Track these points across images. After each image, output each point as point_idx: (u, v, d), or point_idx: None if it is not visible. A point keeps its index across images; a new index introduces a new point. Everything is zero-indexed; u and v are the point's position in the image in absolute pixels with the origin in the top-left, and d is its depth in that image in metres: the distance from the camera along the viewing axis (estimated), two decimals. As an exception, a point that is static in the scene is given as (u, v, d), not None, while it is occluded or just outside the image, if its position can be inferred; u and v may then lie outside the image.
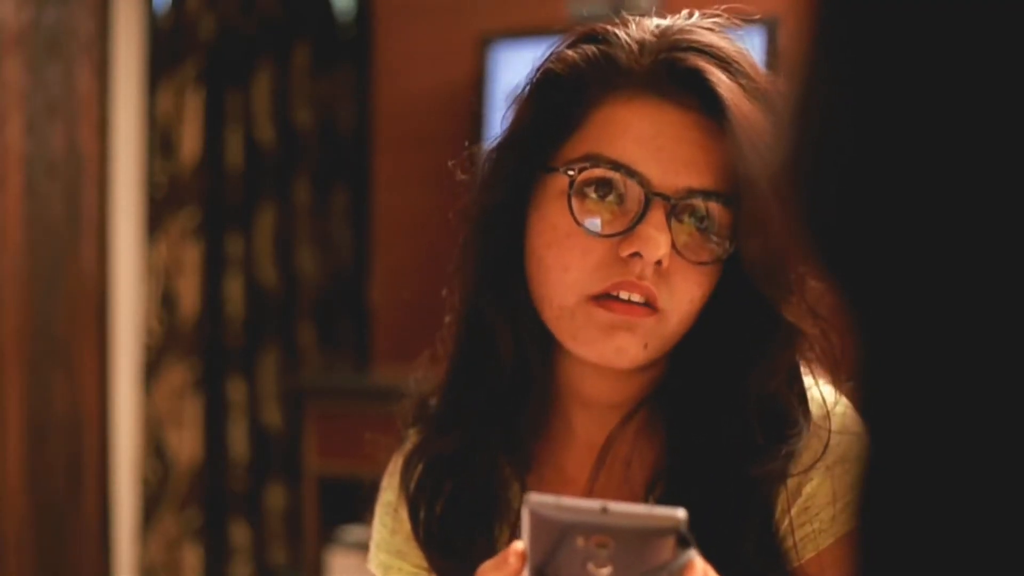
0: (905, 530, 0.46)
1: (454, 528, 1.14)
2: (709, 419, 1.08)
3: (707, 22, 1.09)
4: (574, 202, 1.04)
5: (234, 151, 3.72)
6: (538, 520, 0.85)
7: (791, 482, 1.06)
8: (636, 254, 1.02)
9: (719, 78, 1.03)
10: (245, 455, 3.72)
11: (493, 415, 1.13)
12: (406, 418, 1.23)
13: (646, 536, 0.84)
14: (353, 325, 3.87)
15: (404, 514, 1.18)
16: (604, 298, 1.03)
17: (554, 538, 0.85)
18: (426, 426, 1.19)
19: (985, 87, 0.42)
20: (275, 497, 3.76)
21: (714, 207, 1.03)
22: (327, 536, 3.40)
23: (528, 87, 1.10)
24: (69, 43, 3.23)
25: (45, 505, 3.15)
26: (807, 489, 1.06)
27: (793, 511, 1.06)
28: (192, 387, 3.62)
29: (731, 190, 1.03)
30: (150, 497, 3.55)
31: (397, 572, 1.19)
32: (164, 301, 3.60)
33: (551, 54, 1.10)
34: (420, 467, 1.17)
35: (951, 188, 0.43)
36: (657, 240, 1.01)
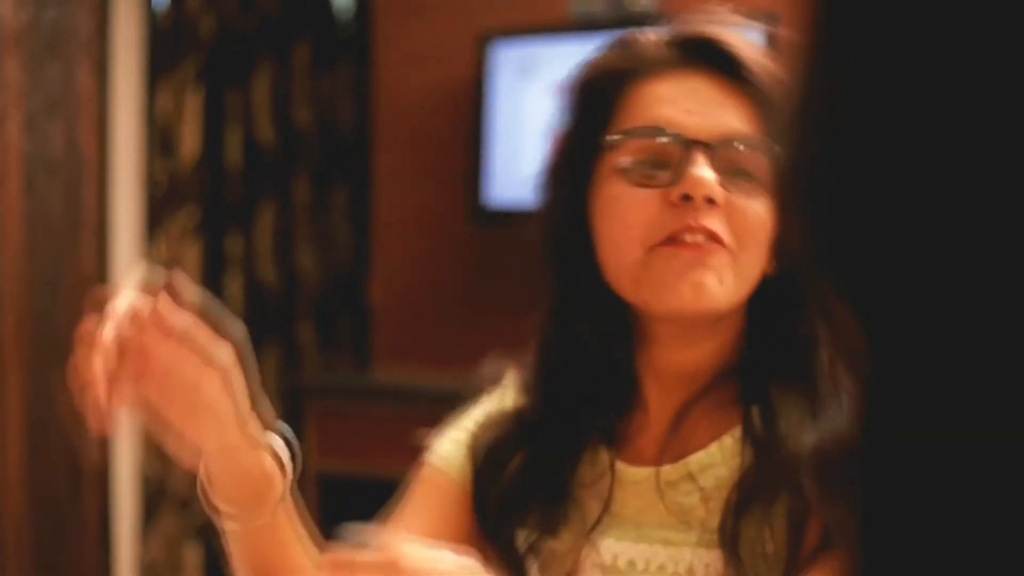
0: (910, 535, 0.46)
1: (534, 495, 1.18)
2: (781, 397, 1.11)
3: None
4: (621, 176, 1.12)
5: (234, 150, 3.72)
6: None
7: None
8: (687, 197, 1.08)
9: (733, 40, 1.14)
10: (245, 454, 3.72)
11: (584, 406, 1.18)
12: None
13: None
14: (353, 325, 3.87)
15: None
16: (670, 243, 1.09)
17: None
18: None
19: (986, 89, 0.42)
20: (275, 496, 3.76)
21: (752, 148, 1.10)
22: (327, 536, 3.40)
23: (570, 97, 1.19)
24: (68, 42, 3.23)
25: (45, 505, 3.15)
26: None
27: None
28: (192, 386, 3.61)
29: (765, 138, 1.11)
30: (150, 496, 3.55)
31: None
32: (164, 300, 3.59)
33: (585, 65, 1.20)
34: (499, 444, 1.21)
35: (954, 191, 0.43)
36: (702, 177, 1.08)
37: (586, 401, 1.18)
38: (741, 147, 1.11)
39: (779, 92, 1.10)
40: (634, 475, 1.17)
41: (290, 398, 3.74)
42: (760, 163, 1.10)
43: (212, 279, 3.69)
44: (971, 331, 0.43)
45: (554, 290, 1.19)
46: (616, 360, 1.18)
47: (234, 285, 3.73)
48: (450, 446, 1.24)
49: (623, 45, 1.19)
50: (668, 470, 1.15)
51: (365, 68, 3.76)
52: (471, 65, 3.41)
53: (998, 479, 0.44)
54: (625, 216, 1.11)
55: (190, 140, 3.61)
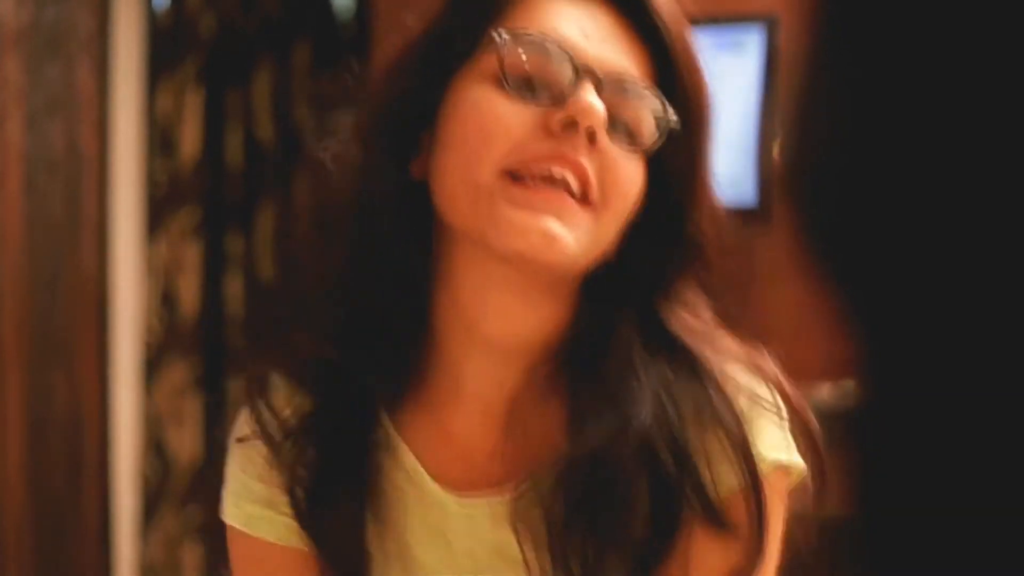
0: (909, 533, 0.46)
1: (327, 509, 1.04)
2: (613, 372, 0.99)
3: None
4: (494, 83, 0.95)
5: (234, 149, 3.72)
6: None
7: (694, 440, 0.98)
8: (569, 124, 0.93)
9: None
10: (245, 454, 3.72)
11: (371, 356, 1.02)
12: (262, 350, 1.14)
13: None
14: (353, 324, 3.87)
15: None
16: (527, 181, 0.93)
17: None
18: (296, 374, 1.07)
19: (987, 89, 0.42)
20: (275, 496, 3.76)
21: (642, 97, 0.97)
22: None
23: None
24: (69, 41, 3.23)
25: (45, 504, 3.15)
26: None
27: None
28: (192, 385, 3.62)
29: (656, 86, 0.98)
30: (150, 495, 3.55)
31: (268, 523, 1.07)
32: (164, 300, 3.60)
33: None
34: (291, 435, 1.05)
35: (954, 190, 0.43)
36: (592, 105, 0.93)
37: (377, 369, 1.01)
38: (630, 92, 0.96)
39: (681, 45, 0.99)
40: (468, 508, 1.02)
41: (290, 398, 3.73)
42: (644, 119, 0.97)
43: (212, 279, 3.69)
44: (974, 332, 0.43)
45: (358, 200, 1.01)
46: (412, 303, 1.00)
47: (234, 285, 3.73)
48: (259, 509, 1.07)
49: None
50: (513, 498, 1.00)
51: (365, 68, 3.75)
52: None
53: (1002, 480, 0.44)
54: (487, 126, 0.94)
55: (190, 140, 3.61)
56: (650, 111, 0.97)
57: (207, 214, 3.65)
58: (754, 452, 0.98)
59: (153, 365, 3.57)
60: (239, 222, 3.73)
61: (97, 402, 3.34)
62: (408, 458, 1.04)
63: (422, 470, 1.04)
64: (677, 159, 0.98)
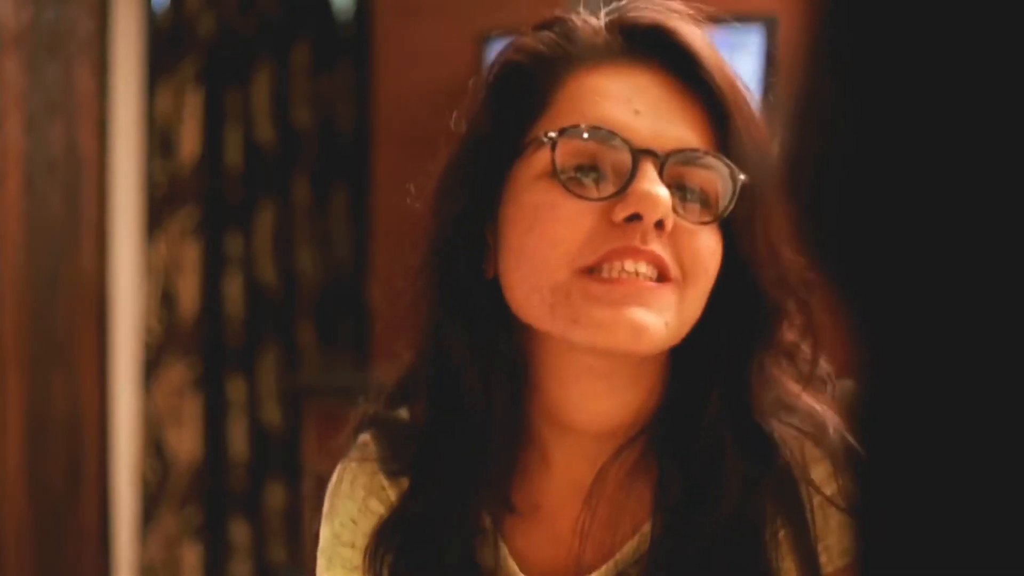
0: (908, 539, 0.46)
1: None
2: (705, 448, 0.96)
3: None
4: (550, 182, 0.92)
5: (233, 150, 3.72)
6: None
7: (816, 501, 0.96)
8: (634, 217, 0.89)
9: (687, 31, 0.95)
10: (245, 454, 3.72)
11: (466, 458, 1.00)
12: (357, 423, 1.15)
13: None
14: (353, 324, 3.87)
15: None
16: (604, 273, 0.90)
17: None
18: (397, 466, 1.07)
19: (988, 88, 0.42)
20: (275, 496, 3.76)
21: (706, 165, 0.92)
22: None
23: (488, 83, 0.99)
24: (68, 42, 3.23)
25: (45, 505, 3.15)
26: (816, 501, 0.96)
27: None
28: (192, 386, 3.62)
29: (716, 148, 0.93)
30: (150, 496, 3.55)
31: None
32: (164, 300, 3.60)
33: (509, 46, 0.99)
34: (393, 539, 1.04)
35: (956, 190, 0.43)
36: (657, 196, 0.88)
37: (472, 470, 0.99)
38: (694, 163, 0.92)
39: (737, 98, 0.94)
40: None
41: (290, 398, 3.74)
42: (712, 185, 0.92)
43: (212, 279, 3.69)
44: (977, 334, 0.43)
45: (433, 324, 0.99)
46: (506, 408, 0.98)
47: (234, 285, 3.73)
48: (348, 574, 1.06)
49: (557, 27, 0.97)
50: None
51: (365, 68, 3.76)
52: (470, 65, 3.41)
53: (1005, 488, 0.44)
54: (553, 229, 0.90)
55: (190, 140, 3.61)
56: (718, 176, 0.93)
57: (206, 214, 3.65)
58: (825, 554, 0.95)
59: (152, 365, 3.57)
60: (238, 222, 3.73)
61: (97, 402, 3.34)
62: (499, 543, 1.03)
63: (512, 562, 1.02)
64: (743, 218, 0.94)
